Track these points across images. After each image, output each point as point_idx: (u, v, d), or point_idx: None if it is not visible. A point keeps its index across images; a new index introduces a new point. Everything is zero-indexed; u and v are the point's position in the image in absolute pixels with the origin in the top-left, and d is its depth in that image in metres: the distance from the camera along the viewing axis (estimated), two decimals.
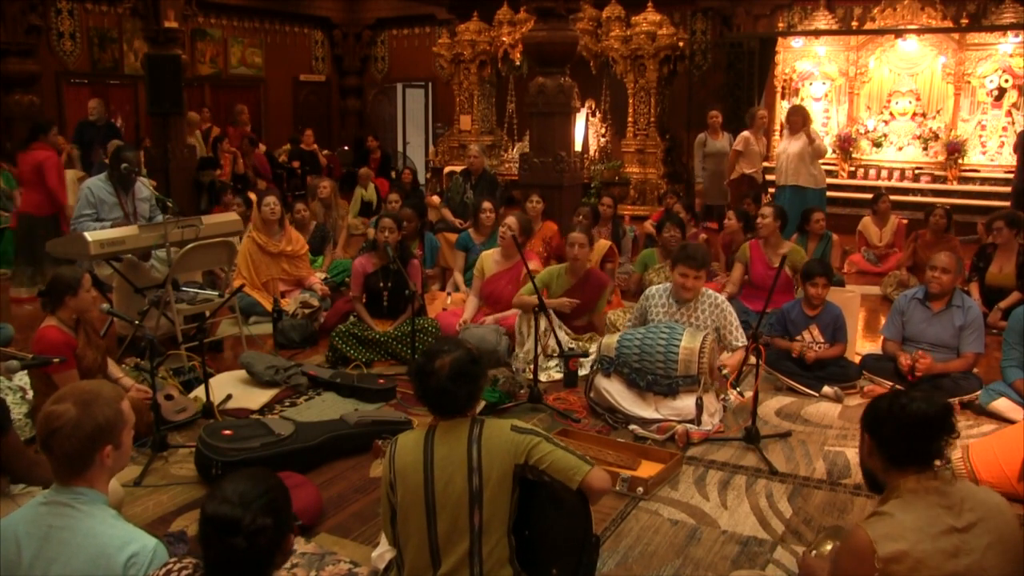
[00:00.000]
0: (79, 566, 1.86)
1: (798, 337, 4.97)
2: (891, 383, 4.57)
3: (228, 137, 11.36)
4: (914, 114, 10.53)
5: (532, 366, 4.69)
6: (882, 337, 5.03)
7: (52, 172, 6.85)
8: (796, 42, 11.00)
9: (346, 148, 14.19)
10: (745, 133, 8.73)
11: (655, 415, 4.19)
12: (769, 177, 9.09)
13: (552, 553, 2.44)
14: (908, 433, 2.08)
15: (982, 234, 7.06)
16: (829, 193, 8.59)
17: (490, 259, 5.74)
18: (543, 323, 4.87)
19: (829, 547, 2.54)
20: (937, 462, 2.11)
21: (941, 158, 10.18)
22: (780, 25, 11.26)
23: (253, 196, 8.59)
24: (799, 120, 8.12)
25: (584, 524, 2.41)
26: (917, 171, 10.30)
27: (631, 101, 11.33)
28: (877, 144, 10.65)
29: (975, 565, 1.99)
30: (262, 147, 11.67)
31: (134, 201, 5.82)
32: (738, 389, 4.49)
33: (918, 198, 9.76)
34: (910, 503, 2.05)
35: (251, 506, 1.72)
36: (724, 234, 7.38)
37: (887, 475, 2.14)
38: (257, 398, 4.60)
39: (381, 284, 5.50)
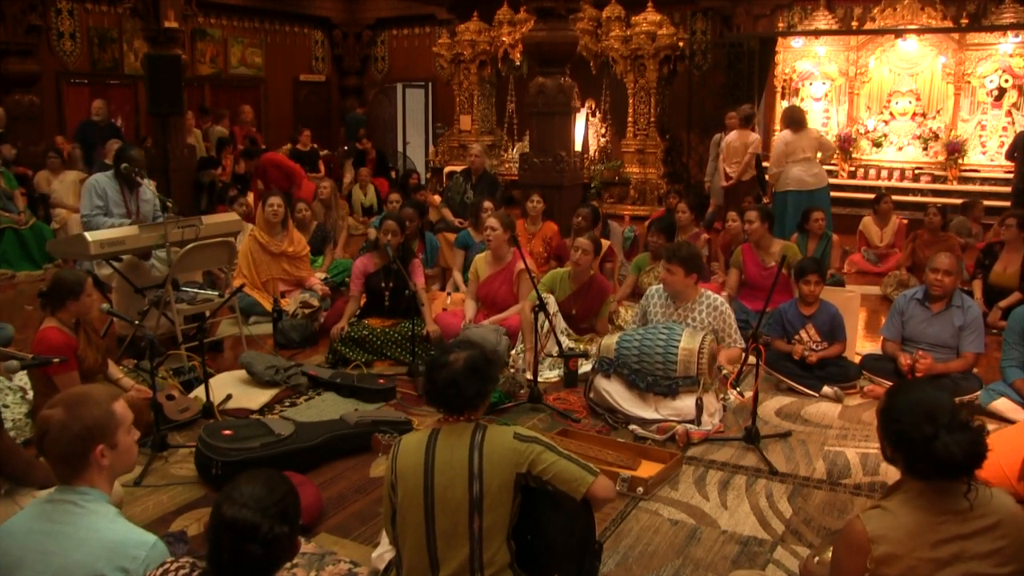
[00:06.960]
0: (80, 559, 1.89)
1: (796, 337, 4.96)
2: (891, 383, 4.57)
3: (233, 136, 11.38)
4: (914, 114, 10.51)
5: (532, 366, 4.68)
6: (882, 337, 5.03)
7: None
8: (796, 42, 10.99)
9: (345, 148, 14.19)
10: (754, 136, 8.77)
11: (655, 415, 4.19)
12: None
13: (554, 558, 2.44)
14: (937, 468, 1.97)
15: (996, 231, 6.97)
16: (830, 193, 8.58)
17: (482, 262, 5.72)
18: (543, 323, 4.87)
19: (831, 553, 2.53)
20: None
21: (941, 158, 10.17)
22: (780, 25, 11.25)
23: (252, 196, 8.60)
24: (788, 119, 8.12)
25: (586, 530, 2.41)
26: (917, 171, 10.29)
27: (631, 101, 11.32)
28: (877, 144, 10.64)
29: (970, 573, 1.94)
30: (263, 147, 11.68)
31: (138, 201, 5.83)
32: (738, 389, 4.49)
33: (918, 198, 9.75)
34: (915, 504, 1.99)
35: (268, 512, 1.72)
36: (724, 235, 7.37)
37: (904, 473, 2.07)
38: (257, 398, 4.60)
39: (383, 284, 5.50)
